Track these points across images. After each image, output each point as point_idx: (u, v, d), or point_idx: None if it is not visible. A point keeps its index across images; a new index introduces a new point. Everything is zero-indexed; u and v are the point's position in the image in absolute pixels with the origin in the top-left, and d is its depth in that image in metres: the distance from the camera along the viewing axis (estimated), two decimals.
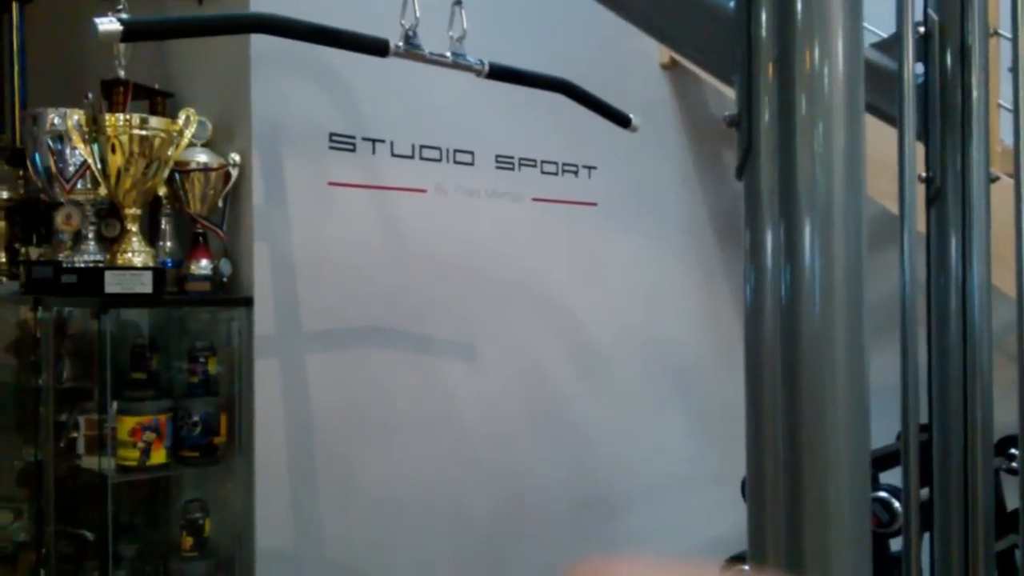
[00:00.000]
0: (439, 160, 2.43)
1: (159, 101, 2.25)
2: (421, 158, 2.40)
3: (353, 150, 2.27)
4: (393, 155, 2.34)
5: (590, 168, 2.74)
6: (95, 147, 2.00)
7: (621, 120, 1.99)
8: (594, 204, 2.75)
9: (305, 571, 2.14)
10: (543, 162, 2.64)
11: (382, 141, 2.32)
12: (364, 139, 2.29)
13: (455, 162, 2.47)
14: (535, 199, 2.61)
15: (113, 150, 1.96)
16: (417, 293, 2.38)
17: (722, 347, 2.98)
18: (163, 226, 2.17)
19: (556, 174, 2.67)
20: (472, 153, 2.50)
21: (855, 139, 0.75)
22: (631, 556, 0.34)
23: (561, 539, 2.63)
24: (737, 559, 1.92)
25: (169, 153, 2.01)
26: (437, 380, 2.41)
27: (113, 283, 1.92)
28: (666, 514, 2.89)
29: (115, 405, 1.97)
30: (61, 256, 2.18)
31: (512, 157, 2.58)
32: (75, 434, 2.16)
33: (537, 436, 2.60)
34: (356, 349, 2.26)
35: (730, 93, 0.88)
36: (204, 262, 2.08)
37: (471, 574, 2.47)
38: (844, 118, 0.75)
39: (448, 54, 1.83)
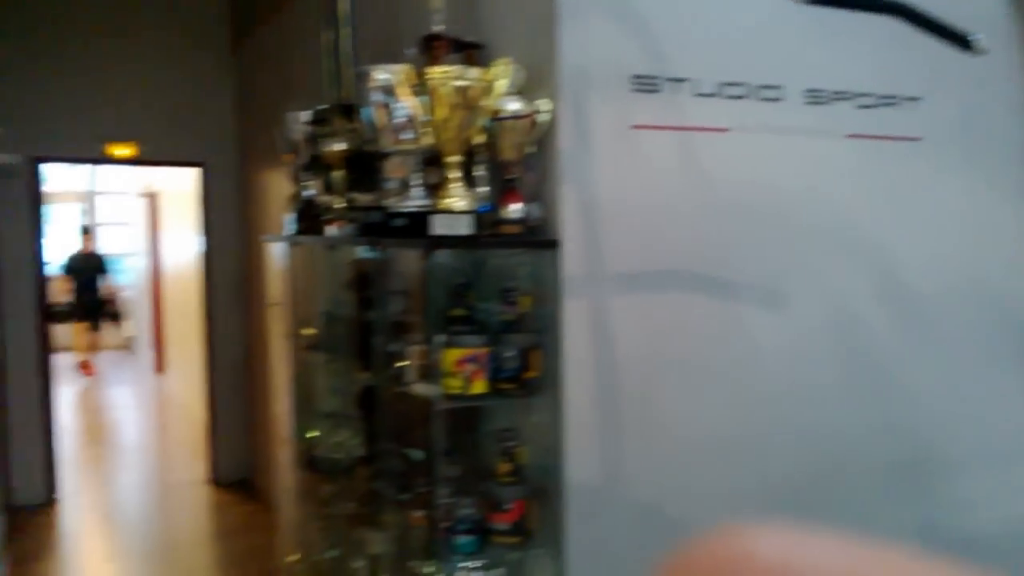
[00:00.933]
0: (743, 97, 2.34)
1: (471, 53, 2.36)
2: (725, 96, 2.32)
3: (656, 91, 2.24)
4: (696, 94, 2.29)
5: (913, 99, 2.50)
6: (419, 100, 2.15)
7: (963, 43, 1.78)
8: (917, 139, 2.51)
9: (610, 506, 2.21)
10: (858, 94, 2.45)
11: (685, 80, 2.27)
12: (667, 79, 2.25)
13: (760, 98, 2.36)
14: (849, 135, 2.44)
15: (436, 101, 2.09)
16: (721, 236, 2.33)
17: None
18: (478, 172, 2.29)
19: (873, 107, 2.46)
20: (779, 88, 2.38)
21: None
22: (788, 529, 0.28)
23: (874, 501, 2.49)
24: None
25: (484, 102, 2.10)
26: (741, 326, 2.36)
27: (439, 226, 2.07)
28: (997, 481, 2.63)
29: (441, 338, 2.13)
30: (389, 202, 2.37)
31: (823, 90, 2.42)
32: (404, 363, 2.38)
33: (849, 389, 2.47)
34: (659, 292, 2.26)
35: None
36: (516, 206, 2.18)
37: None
38: None
39: None
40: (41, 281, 5.72)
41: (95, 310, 10.23)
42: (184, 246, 8.20)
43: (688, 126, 2.27)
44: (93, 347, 10.38)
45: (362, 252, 2.78)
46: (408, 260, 2.58)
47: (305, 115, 2.98)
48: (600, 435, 2.20)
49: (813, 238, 2.43)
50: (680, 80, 2.25)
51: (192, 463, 6.59)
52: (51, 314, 5.93)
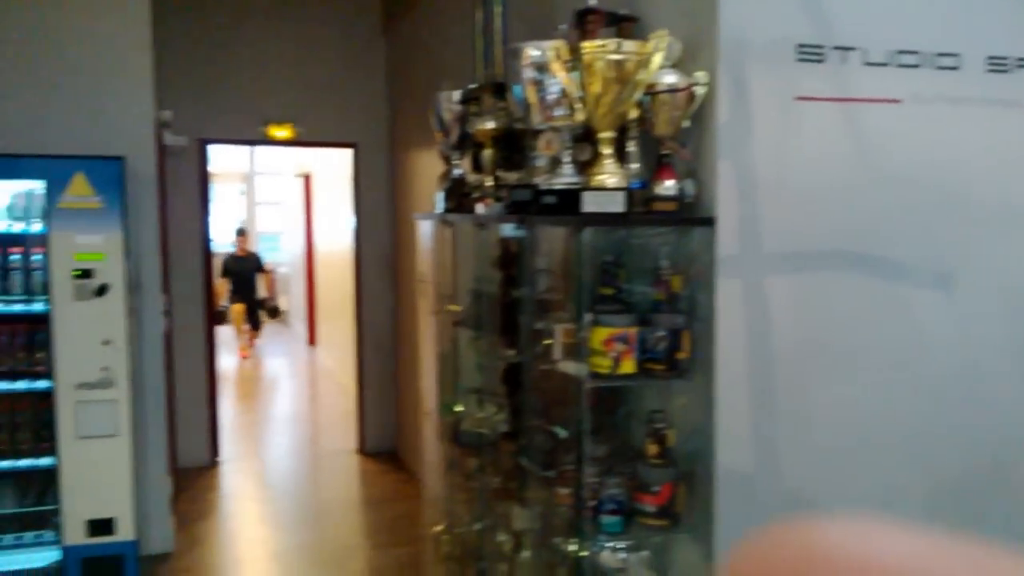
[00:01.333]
0: (917, 66, 2.19)
1: (625, 26, 2.31)
2: (897, 65, 2.18)
3: (822, 61, 2.13)
4: (865, 63, 2.16)
5: None
6: (572, 75, 2.12)
7: None
8: None
9: (762, 494, 2.13)
10: None
11: (853, 49, 2.15)
12: (834, 48, 2.13)
13: (936, 67, 2.20)
14: None
15: (590, 76, 2.06)
16: (888, 215, 2.19)
17: None
18: (630, 148, 2.25)
19: None
20: (957, 56, 2.21)
21: None
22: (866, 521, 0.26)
23: None
24: None
25: (640, 76, 2.06)
26: (907, 311, 2.22)
27: (590, 203, 2.04)
28: None
29: (589, 316, 2.11)
30: (538, 179, 2.37)
31: (1007, 58, 2.23)
32: (550, 341, 2.38)
33: (1022, 379, 2.28)
34: (820, 272, 2.16)
35: None
36: (670, 183, 2.12)
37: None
38: None
39: None
40: (207, 255, 6.09)
41: (253, 310, 10.69)
42: (336, 224, 8.53)
43: (856, 97, 2.14)
44: (252, 338, 10.84)
45: (508, 230, 2.79)
46: (554, 238, 2.56)
47: (456, 94, 3.01)
48: (753, 420, 2.13)
49: (990, 218, 2.25)
50: (848, 49, 2.13)
51: (341, 432, 6.88)
52: (213, 315, 6.28)
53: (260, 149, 11.88)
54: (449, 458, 3.37)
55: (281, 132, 6.05)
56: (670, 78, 2.10)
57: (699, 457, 2.14)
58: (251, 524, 5.26)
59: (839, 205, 2.16)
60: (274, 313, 11.17)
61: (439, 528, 3.39)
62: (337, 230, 8.33)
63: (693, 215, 2.13)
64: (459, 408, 3.24)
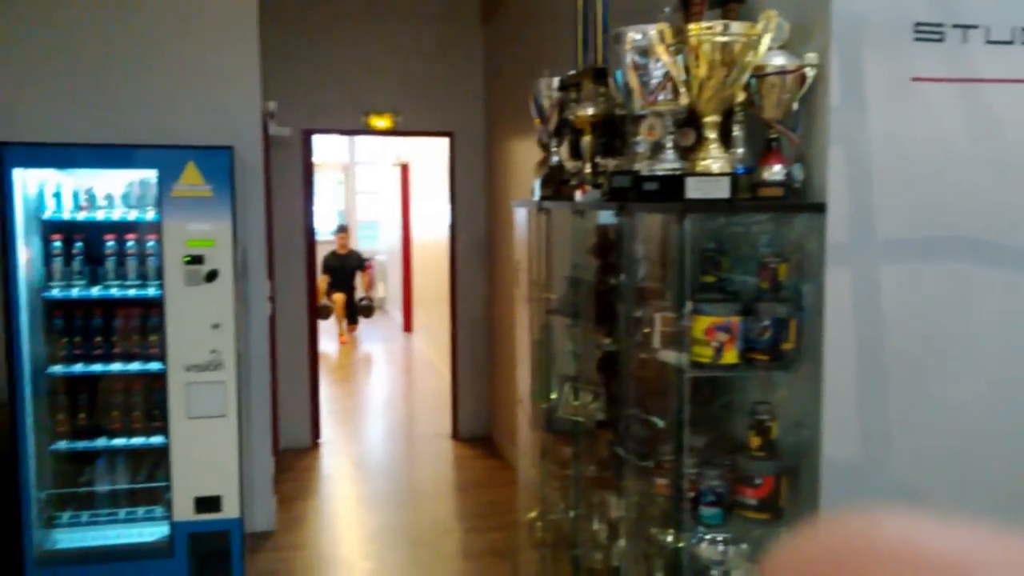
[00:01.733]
0: None
1: (731, 7, 2.25)
2: (1022, 43, 2.06)
3: (941, 40, 2.02)
4: (988, 42, 2.04)
5: None
6: (676, 59, 2.08)
7: None
8: None
9: (870, 489, 2.06)
10: None
11: (975, 26, 2.04)
12: (954, 26, 2.03)
13: None
14: None
15: (696, 59, 2.02)
16: (1010, 201, 2.08)
17: None
18: (736, 132, 2.19)
19: None
20: None
21: None
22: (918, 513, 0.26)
23: None
24: None
25: (748, 58, 2.00)
26: None
27: (693, 189, 2.00)
28: None
29: (690, 305, 2.08)
30: (639, 166, 2.33)
31: None
32: (648, 329, 2.35)
33: None
34: (937, 261, 2.06)
35: None
36: (777, 168, 2.06)
37: None
38: None
39: None
40: (310, 243, 6.26)
41: (352, 305, 10.91)
42: (432, 213, 8.64)
43: (978, 78, 2.03)
44: (350, 330, 11.09)
45: (606, 217, 2.76)
46: (653, 225, 2.53)
47: (555, 81, 3.00)
48: (861, 413, 2.05)
49: None
50: (970, 26, 2.02)
51: (436, 418, 6.98)
52: (315, 307, 6.48)
53: (360, 139, 12.13)
54: (543, 445, 3.37)
55: (381, 122, 6.16)
56: (779, 60, 2.04)
57: (803, 449, 2.08)
58: (349, 504, 5.39)
59: (958, 191, 2.06)
60: (368, 313, 11.38)
61: (533, 514, 3.41)
62: (433, 218, 8.44)
63: (801, 201, 2.06)
64: (553, 396, 3.23)
